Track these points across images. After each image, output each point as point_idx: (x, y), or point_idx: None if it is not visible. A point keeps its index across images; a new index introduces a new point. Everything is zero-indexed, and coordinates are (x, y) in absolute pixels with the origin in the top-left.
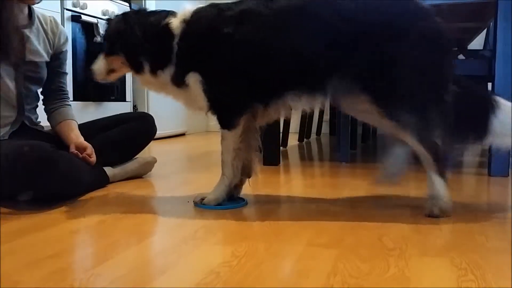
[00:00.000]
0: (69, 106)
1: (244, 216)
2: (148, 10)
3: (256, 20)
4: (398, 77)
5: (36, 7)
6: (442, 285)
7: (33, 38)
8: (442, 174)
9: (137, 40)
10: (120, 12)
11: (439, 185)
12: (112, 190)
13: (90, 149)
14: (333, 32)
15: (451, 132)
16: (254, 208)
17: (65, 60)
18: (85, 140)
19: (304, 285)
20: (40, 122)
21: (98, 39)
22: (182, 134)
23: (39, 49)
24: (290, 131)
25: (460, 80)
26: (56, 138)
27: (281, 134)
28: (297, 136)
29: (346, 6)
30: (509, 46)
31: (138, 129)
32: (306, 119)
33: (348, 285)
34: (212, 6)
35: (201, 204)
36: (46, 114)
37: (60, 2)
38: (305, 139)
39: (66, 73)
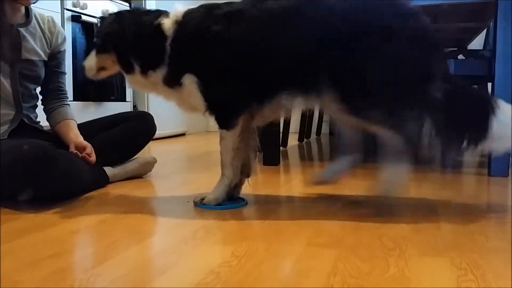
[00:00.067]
0: (68, 105)
1: (244, 216)
2: (143, 9)
3: (246, 20)
4: (370, 73)
5: (36, 7)
6: (442, 285)
7: (29, 36)
8: (401, 169)
9: (129, 40)
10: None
11: (394, 173)
12: (112, 190)
13: (89, 148)
14: (317, 32)
15: (443, 129)
16: (254, 208)
17: (64, 60)
18: (84, 139)
19: (304, 285)
20: (40, 122)
21: None
22: (182, 134)
23: (36, 48)
24: (290, 131)
25: (459, 81)
26: (55, 138)
27: (281, 134)
28: (297, 136)
29: (331, 7)
30: (509, 46)
31: (138, 128)
32: (306, 119)
33: (348, 285)
34: (202, 6)
35: (201, 204)
36: (45, 114)
37: (60, 2)
38: (305, 139)
39: (64, 73)
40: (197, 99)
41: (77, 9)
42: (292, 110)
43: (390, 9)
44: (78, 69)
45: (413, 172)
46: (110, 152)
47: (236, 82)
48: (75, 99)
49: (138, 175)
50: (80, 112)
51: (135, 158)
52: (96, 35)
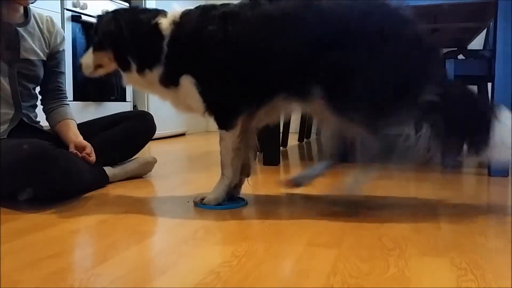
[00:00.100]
0: (67, 105)
1: (244, 216)
2: (140, 8)
3: (242, 22)
4: (360, 76)
5: (36, 7)
6: (442, 285)
7: (28, 36)
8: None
9: (125, 38)
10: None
11: (362, 173)
12: (112, 190)
13: (89, 148)
14: (310, 36)
15: (442, 134)
16: (254, 208)
17: (62, 60)
18: (84, 139)
19: (304, 285)
20: (40, 121)
21: None
22: (182, 134)
23: (34, 47)
24: (290, 131)
25: (458, 85)
26: (55, 138)
27: (281, 134)
28: (297, 136)
29: (324, 12)
30: (509, 46)
31: (138, 128)
32: (306, 119)
33: (348, 285)
34: (199, 7)
35: (201, 204)
36: (45, 114)
37: (60, 2)
38: (305, 139)
39: (63, 73)
40: (196, 100)
41: (77, 9)
42: (288, 112)
43: (381, 13)
44: (78, 69)
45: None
46: (110, 151)
47: (234, 83)
48: (75, 99)
49: (138, 175)
50: (80, 112)
51: (135, 158)
52: (93, 32)
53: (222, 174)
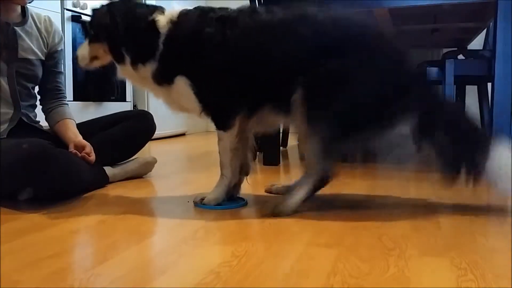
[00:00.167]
0: (67, 105)
1: (244, 216)
2: (137, 1)
3: (240, 28)
4: (331, 96)
5: (36, 7)
6: (442, 285)
7: (25, 36)
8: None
9: (119, 31)
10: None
11: (300, 193)
12: (112, 190)
13: (89, 147)
14: (294, 50)
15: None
16: (254, 208)
17: (61, 60)
18: (84, 139)
19: (304, 285)
20: (39, 121)
21: None
22: (182, 134)
23: (32, 47)
24: (290, 131)
25: (451, 107)
26: (55, 137)
27: (281, 134)
28: (297, 136)
29: (310, 27)
30: (509, 46)
31: (138, 127)
32: None
33: (348, 285)
34: (198, 9)
35: (201, 204)
36: (44, 114)
37: (60, 2)
38: None
39: (62, 73)
40: (191, 101)
41: (77, 9)
42: (275, 125)
43: (356, 31)
44: (78, 69)
45: (413, 172)
46: (109, 151)
47: (230, 85)
48: (75, 99)
49: (138, 175)
50: (80, 112)
51: (135, 158)
52: (88, 25)
53: (221, 174)
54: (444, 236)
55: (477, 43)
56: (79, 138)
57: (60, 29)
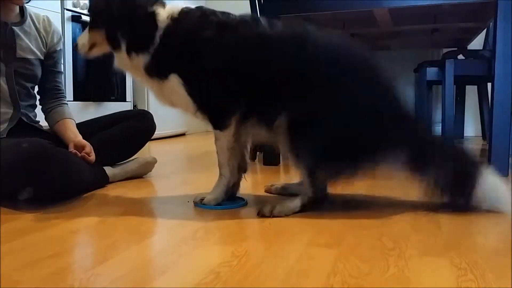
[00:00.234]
0: (66, 105)
1: (244, 216)
2: None
3: (237, 37)
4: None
5: (36, 7)
6: (442, 285)
7: (24, 35)
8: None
9: (115, 14)
10: None
11: (297, 201)
12: (112, 190)
13: (88, 147)
14: (281, 70)
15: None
16: (254, 208)
17: (60, 59)
18: (84, 138)
19: (304, 285)
20: (39, 121)
21: None
22: (182, 134)
23: (31, 46)
24: None
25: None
26: (54, 137)
27: None
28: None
29: (299, 49)
30: (509, 46)
31: (137, 127)
32: None
33: (348, 285)
34: (199, 9)
35: (201, 204)
36: (44, 114)
37: (60, 2)
38: None
39: (61, 72)
40: (184, 100)
41: (77, 9)
42: (261, 138)
43: (346, 58)
44: (78, 69)
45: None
46: (109, 151)
47: (223, 88)
48: (75, 99)
49: (138, 175)
50: (80, 112)
51: (135, 158)
52: (87, 9)
53: (220, 173)
54: (444, 236)
55: (477, 43)
56: (79, 138)
57: (59, 29)
